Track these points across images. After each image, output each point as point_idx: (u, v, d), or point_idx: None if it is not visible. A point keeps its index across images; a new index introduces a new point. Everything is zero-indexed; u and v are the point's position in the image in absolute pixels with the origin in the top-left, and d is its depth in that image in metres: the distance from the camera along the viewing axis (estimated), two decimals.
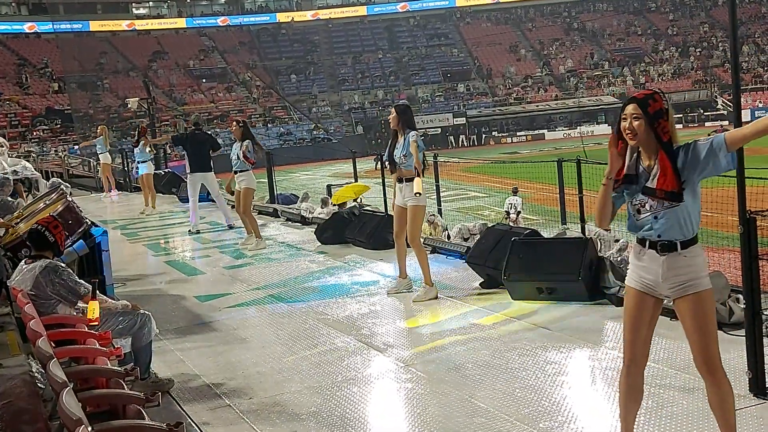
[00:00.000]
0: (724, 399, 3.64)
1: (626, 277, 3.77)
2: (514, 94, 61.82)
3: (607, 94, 59.53)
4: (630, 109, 3.57)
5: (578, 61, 65.30)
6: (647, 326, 3.72)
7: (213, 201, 13.79)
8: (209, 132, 13.01)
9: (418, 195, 7.40)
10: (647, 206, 3.58)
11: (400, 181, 7.58)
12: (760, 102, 56.13)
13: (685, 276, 3.56)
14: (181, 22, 67.21)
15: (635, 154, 3.63)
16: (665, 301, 3.73)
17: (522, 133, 57.04)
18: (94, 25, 62.84)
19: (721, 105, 55.63)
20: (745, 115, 51.74)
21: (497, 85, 63.41)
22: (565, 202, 12.02)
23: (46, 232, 5.35)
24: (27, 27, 60.50)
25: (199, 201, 13.31)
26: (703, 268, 3.63)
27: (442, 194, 15.36)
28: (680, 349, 5.36)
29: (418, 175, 7.38)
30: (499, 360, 5.67)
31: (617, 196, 3.70)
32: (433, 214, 14.22)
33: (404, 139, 7.47)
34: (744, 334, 4.72)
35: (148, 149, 16.64)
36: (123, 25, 64.22)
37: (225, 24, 67.90)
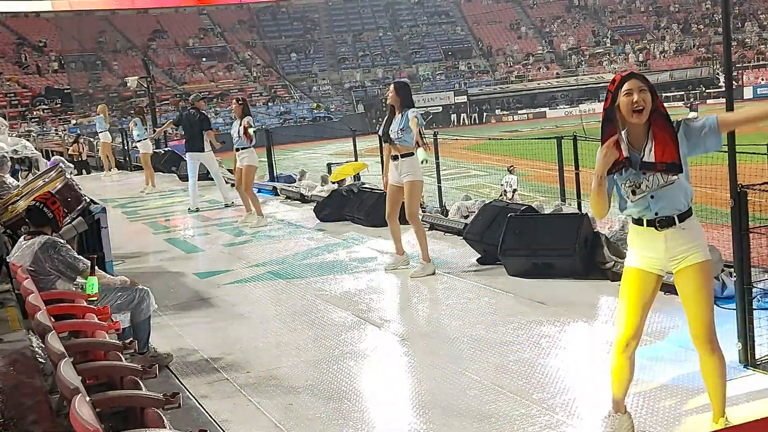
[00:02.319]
0: (716, 370, 3.69)
1: (626, 259, 3.78)
2: (516, 72, 61.61)
3: (609, 72, 59.30)
4: (634, 83, 3.52)
5: (580, 38, 65.01)
6: (648, 304, 3.75)
7: (211, 179, 13.82)
8: (203, 111, 12.99)
9: (425, 162, 7.41)
10: (643, 186, 3.58)
11: (395, 158, 7.60)
12: (762, 79, 55.89)
13: (686, 246, 3.60)
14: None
15: (626, 137, 3.63)
16: (665, 277, 3.77)
17: (523, 111, 56.94)
18: (82, 4, 61.87)
19: (724, 82, 55.42)
20: (747, 92, 51.60)
21: (498, 63, 63.19)
22: (564, 180, 12.04)
23: (44, 208, 5.40)
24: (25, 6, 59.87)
25: (198, 179, 13.36)
26: (702, 237, 3.67)
27: (442, 172, 15.38)
28: (671, 322, 5.42)
29: (420, 146, 7.38)
30: (493, 334, 5.73)
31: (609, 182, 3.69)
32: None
33: (402, 116, 7.48)
34: (735, 308, 4.77)
35: (145, 128, 16.70)
36: (114, 4, 63.36)
37: (216, 3, 67.03)
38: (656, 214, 3.60)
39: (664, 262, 3.66)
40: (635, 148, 3.60)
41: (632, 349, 3.79)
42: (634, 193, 3.62)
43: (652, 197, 3.58)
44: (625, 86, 3.54)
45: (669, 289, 4.67)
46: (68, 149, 23.14)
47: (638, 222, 3.68)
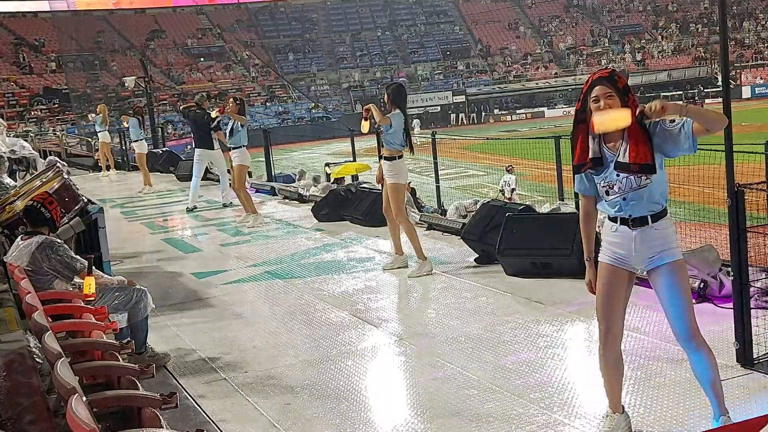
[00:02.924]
0: (706, 365, 3.69)
1: (599, 254, 3.82)
2: (514, 72, 61.63)
3: None
4: (600, 89, 3.56)
5: (578, 38, 65.04)
6: (622, 300, 3.77)
7: (211, 179, 13.84)
8: (209, 111, 13.08)
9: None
10: (616, 188, 3.63)
11: (382, 159, 7.79)
12: (761, 78, 55.95)
13: (657, 248, 3.63)
14: (167, 0, 66.07)
15: (597, 138, 3.65)
16: (639, 273, 3.79)
17: (521, 110, 56.98)
18: (80, 4, 61.81)
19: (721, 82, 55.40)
20: (745, 92, 51.66)
21: (497, 62, 63.20)
22: (563, 180, 12.05)
23: (41, 208, 5.39)
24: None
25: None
26: (674, 239, 3.70)
27: (440, 172, 15.38)
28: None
29: (367, 122, 7.61)
30: (491, 334, 5.73)
31: (589, 179, 3.74)
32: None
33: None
34: (732, 307, 4.77)
35: (141, 128, 16.77)
36: (110, 3, 63.27)
37: (215, 3, 66.94)
38: (630, 215, 3.64)
39: (634, 260, 3.69)
40: (611, 149, 3.64)
41: (611, 348, 3.79)
42: (607, 193, 3.68)
43: (624, 199, 3.62)
44: (593, 92, 3.59)
45: None
46: (94, 156, 22.97)
47: (613, 219, 3.73)
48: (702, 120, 3.45)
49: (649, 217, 3.62)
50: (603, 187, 3.68)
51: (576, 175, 3.81)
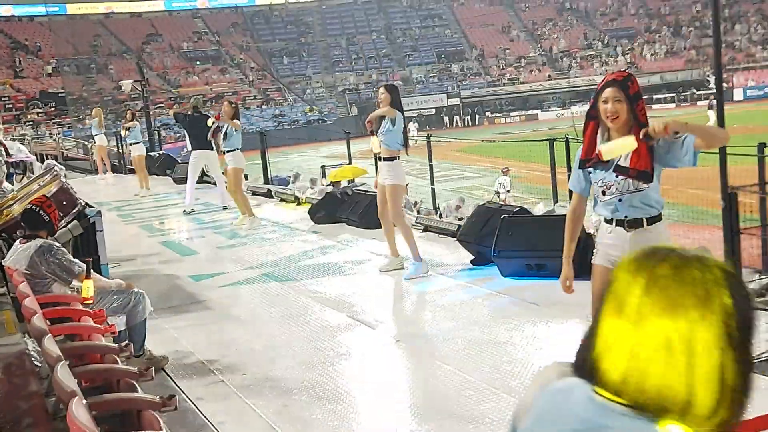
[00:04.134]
0: None
1: (594, 256, 3.86)
2: (508, 75, 61.72)
3: (600, 74, 59.39)
4: (611, 92, 3.62)
5: (571, 41, 65.18)
6: None
7: (207, 182, 13.86)
8: (207, 114, 13.11)
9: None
10: (613, 188, 3.68)
11: (380, 160, 7.73)
12: (752, 81, 56.11)
13: None
14: (159, 5, 66.07)
15: (605, 135, 3.70)
16: None
17: (515, 113, 57.03)
18: (71, 8, 61.73)
19: (714, 84, 55.56)
20: (737, 95, 51.78)
21: (491, 65, 63.30)
22: (557, 182, 12.10)
23: (40, 211, 5.41)
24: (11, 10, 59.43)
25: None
26: (668, 242, 3.73)
27: (435, 174, 15.43)
28: None
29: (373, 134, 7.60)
30: (488, 335, 5.77)
31: (586, 179, 3.80)
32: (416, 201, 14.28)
33: (388, 119, 7.53)
34: None
35: (139, 131, 16.77)
36: (101, 8, 63.17)
37: (204, 6, 66.95)
38: (625, 216, 3.68)
39: None
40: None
41: None
42: (604, 193, 3.73)
43: (620, 200, 3.67)
44: (603, 93, 3.65)
45: None
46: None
47: (609, 221, 3.77)
48: (704, 136, 3.51)
49: (644, 219, 3.67)
50: (600, 186, 3.73)
51: (573, 173, 3.86)
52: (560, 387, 1.11)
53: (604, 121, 3.66)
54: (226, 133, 11.17)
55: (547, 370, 1.16)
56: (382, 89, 7.73)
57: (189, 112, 13.21)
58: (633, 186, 3.63)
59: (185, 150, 13.17)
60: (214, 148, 12.85)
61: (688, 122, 3.63)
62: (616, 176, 3.65)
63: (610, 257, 3.76)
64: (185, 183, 13.73)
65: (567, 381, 1.11)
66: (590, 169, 3.75)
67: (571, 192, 4.06)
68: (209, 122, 11.72)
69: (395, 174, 7.59)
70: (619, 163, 3.64)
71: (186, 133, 13.00)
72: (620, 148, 3.57)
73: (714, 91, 51.61)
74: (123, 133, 16.64)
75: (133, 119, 16.81)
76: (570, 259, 3.92)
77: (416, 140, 15.25)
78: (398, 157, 7.60)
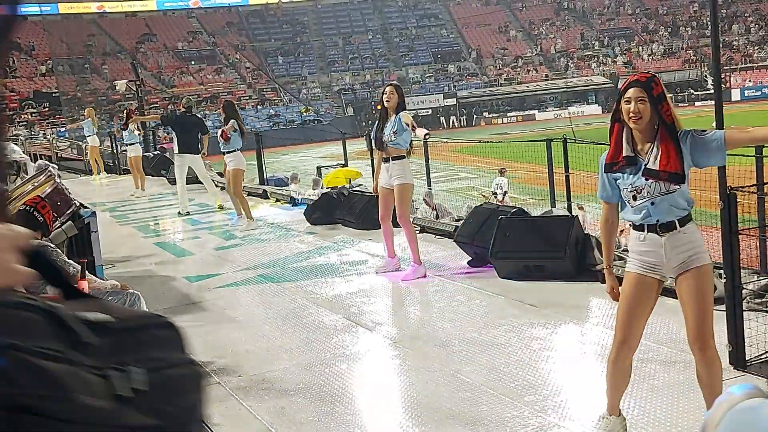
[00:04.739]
0: (713, 376, 3.65)
1: (627, 264, 3.79)
2: (505, 75, 61.77)
3: (598, 74, 59.57)
4: (634, 92, 3.57)
5: (568, 41, 65.26)
6: (648, 309, 3.74)
7: (201, 182, 13.80)
8: (198, 115, 13.06)
9: (428, 136, 7.86)
10: (644, 192, 3.61)
11: (386, 160, 7.59)
12: (750, 81, 56.24)
13: (688, 252, 3.61)
14: (151, 5, 65.96)
15: (631, 138, 3.65)
16: (668, 280, 3.77)
17: (512, 113, 57.08)
18: (63, 8, 61.59)
19: (712, 85, 55.64)
20: (735, 95, 51.91)
21: (488, 65, 63.35)
22: (554, 183, 12.08)
23: (34, 212, 5.36)
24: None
25: (187, 183, 13.34)
26: (702, 242, 3.69)
27: (432, 175, 15.41)
28: (663, 324, 5.44)
29: (416, 128, 7.49)
30: (485, 336, 5.74)
31: (612, 186, 3.75)
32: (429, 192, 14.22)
33: (395, 118, 7.47)
34: (725, 309, 4.79)
35: (137, 132, 16.65)
36: (93, 7, 63.01)
37: (197, 6, 66.84)
38: (657, 220, 3.63)
39: (666, 267, 3.66)
40: (640, 153, 3.64)
41: (625, 357, 3.77)
42: (635, 198, 3.65)
43: (652, 204, 3.61)
44: (627, 94, 3.60)
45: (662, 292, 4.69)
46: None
47: (639, 228, 3.69)
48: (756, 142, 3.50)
49: (676, 221, 3.62)
50: (630, 192, 3.65)
51: (599, 180, 3.79)
52: (751, 405, 1.10)
53: (626, 122, 3.62)
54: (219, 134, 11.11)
55: (734, 392, 1.16)
56: (390, 88, 7.64)
57: (181, 110, 13.12)
58: (665, 188, 3.56)
59: (175, 152, 13.07)
60: (200, 149, 12.78)
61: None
62: (646, 180, 3.59)
63: (646, 264, 3.68)
64: None
65: (757, 400, 1.11)
66: (617, 174, 3.68)
67: (569, 194, 4.02)
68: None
69: (404, 173, 7.53)
70: (647, 165, 3.58)
71: (174, 135, 12.88)
72: None
73: (712, 91, 51.78)
74: (132, 131, 16.42)
75: (131, 118, 16.69)
76: (611, 269, 3.85)
77: (413, 140, 15.20)
78: (406, 156, 7.56)
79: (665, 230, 3.62)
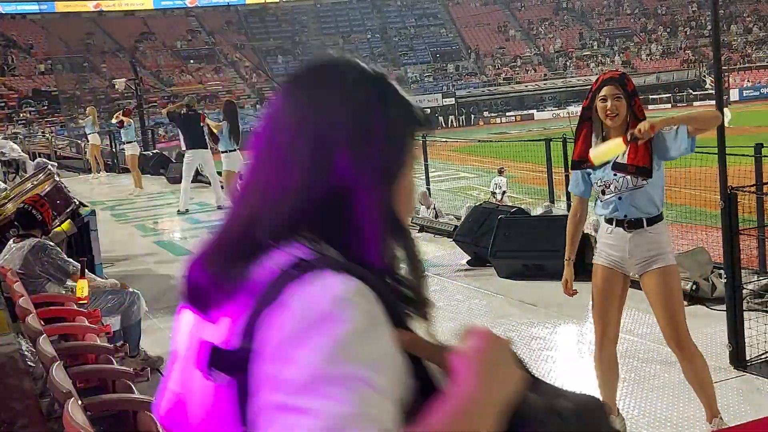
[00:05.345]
0: (697, 372, 3.68)
1: (594, 255, 3.84)
2: (504, 74, 61.78)
3: (596, 74, 59.49)
4: (609, 89, 3.59)
5: (567, 41, 65.27)
6: (617, 302, 3.78)
7: (201, 181, 13.81)
8: (201, 112, 13.09)
9: None
10: (612, 187, 3.65)
11: None
12: (749, 81, 56.28)
13: (651, 252, 3.63)
14: (148, 3, 65.80)
15: (601, 136, 3.67)
16: (632, 275, 3.80)
17: (511, 113, 57.06)
18: (60, 6, 61.41)
19: (710, 85, 55.71)
20: (733, 95, 51.95)
21: (486, 65, 63.35)
22: (553, 182, 12.09)
23: (33, 210, 5.37)
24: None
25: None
26: (668, 243, 3.72)
27: (431, 175, 15.41)
28: None
29: None
30: None
31: (585, 181, 3.78)
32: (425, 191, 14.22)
33: None
34: (725, 309, 4.80)
35: (133, 130, 16.69)
36: (90, 6, 62.87)
37: (194, 5, 66.73)
38: (625, 216, 3.64)
39: (629, 263, 3.70)
40: None
41: (608, 350, 3.80)
42: (603, 192, 3.71)
43: (620, 198, 3.64)
44: (602, 92, 3.62)
45: None
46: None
47: (609, 221, 3.74)
48: (694, 123, 3.49)
49: (644, 219, 3.64)
50: (599, 186, 3.70)
51: (572, 175, 3.84)
52: None
53: (602, 120, 3.63)
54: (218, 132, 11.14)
55: None
56: None
57: (183, 111, 13.15)
58: (632, 183, 3.60)
59: (178, 150, 13.13)
60: (209, 147, 12.82)
61: (674, 116, 3.62)
62: (615, 174, 3.63)
63: (611, 257, 3.73)
64: (179, 182, 13.66)
65: None
66: (589, 170, 3.72)
67: (569, 193, 4.04)
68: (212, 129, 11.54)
69: None
70: (617, 160, 3.61)
71: (180, 133, 12.93)
72: (610, 151, 3.55)
73: (711, 91, 51.79)
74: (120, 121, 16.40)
75: (128, 116, 16.70)
76: (571, 261, 3.89)
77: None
78: None
79: (632, 227, 3.64)
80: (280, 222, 1.01)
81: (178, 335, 1.12)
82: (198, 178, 14.02)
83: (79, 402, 2.86)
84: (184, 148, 12.97)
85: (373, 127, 1.04)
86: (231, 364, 0.93)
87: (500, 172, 20.35)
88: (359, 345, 0.89)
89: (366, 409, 0.86)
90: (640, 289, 3.82)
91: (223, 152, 11.11)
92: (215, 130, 11.00)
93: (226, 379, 0.94)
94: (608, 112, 3.58)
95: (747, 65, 58.42)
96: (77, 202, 7.23)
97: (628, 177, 3.60)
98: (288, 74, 1.13)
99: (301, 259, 0.96)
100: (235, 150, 11.12)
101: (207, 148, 12.80)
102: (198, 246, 1.11)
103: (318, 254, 0.98)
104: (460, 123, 56.35)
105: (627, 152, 3.58)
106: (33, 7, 58.07)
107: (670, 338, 3.67)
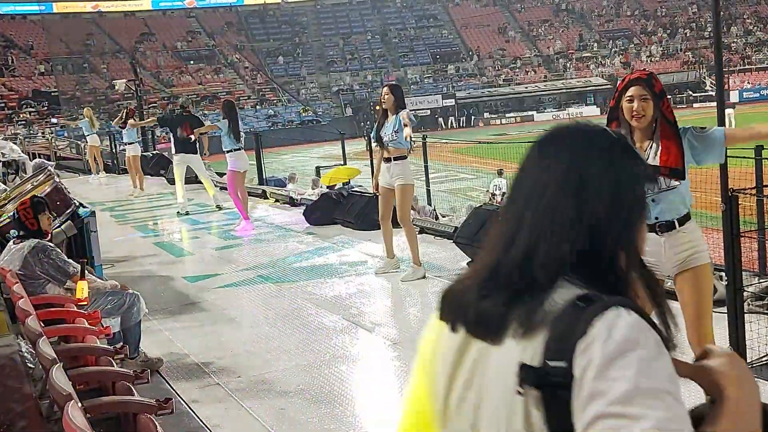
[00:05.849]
0: None
1: None
2: (503, 76, 61.78)
3: (596, 76, 59.57)
4: (636, 90, 3.55)
5: (567, 42, 65.28)
6: None
7: (200, 182, 13.79)
8: (196, 114, 13.06)
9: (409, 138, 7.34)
10: None
11: (387, 160, 7.58)
12: (748, 83, 56.29)
13: (688, 251, 3.61)
14: (146, 4, 65.73)
15: (629, 136, 3.65)
16: (667, 283, 3.77)
17: (511, 114, 57.04)
18: (58, 7, 61.33)
19: (710, 86, 55.73)
20: (733, 96, 51.92)
21: (486, 66, 63.35)
22: None
23: (22, 218, 5.35)
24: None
25: (186, 183, 13.34)
26: (702, 241, 3.69)
27: (431, 176, 15.40)
28: None
29: (405, 126, 7.30)
30: None
31: None
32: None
33: (395, 118, 7.45)
34: (726, 311, 4.79)
35: (135, 131, 16.64)
36: (88, 6, 62.79)
37: (193, 6, 66.69)
38: (656, 218, 3.61)
39: (665, 266, 3.66)
40: (640, 150, 3.62)
41: None
42: None
43: (653, 200, 3.60)
44: (628, 92, 3.58)
45: None
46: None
47: None
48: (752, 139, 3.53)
49: (675, 221, 3.62)
50: None
51: None
52: None
53: (627, 121, 3.59)
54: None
55: None
56: (386, 89, 7.62)
57: (177, 110, 13.12)
58: (665, 184, 3.56)
59: (173, 152, 13.12)
60: (198, 150, 12.80)
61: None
62: None
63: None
64: None
65: None
66: None
67: None
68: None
69: (405, 173, 7.51)
70: (648, 162, 3.59)
71: (170, 135, 12.91)
72: None
73: (711, 93, 51.73)
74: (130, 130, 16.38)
75: (131, 117, 16.66)
76: None
77: (412, 141, 15.20)
78: (407, 156, 7.54)
79: (664, 230, 3.62)
80: (554, 263, 1.20)
81: (425, 345, 1.38)
82: (196, 180, 14.00)
83: (79, 404, 2.85)
84: (173, 151, 12.93)
85: (622, 181, 1.24)
86: (541, 381, 1.12)
87: (500, 174, 20.36)
88: (658, 364, 1.09)
89: (674, 414, 1.05)
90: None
91: (228, 152, 11.06)
92: (208, 131, 11.03)
93: (534, 393, 1.13)
94: (634, 113, 3.54)
95: (747, 67, 58.42)
96: (77, 203, 7.22)
97: (661, 178, 3.56)
98: (543, 135, 1.37)
99: (589, 296, 1.16)
100: (240, 149, 11.08)
101: (195, 153, 12.77)
102: (463, 273, 1.35)
103: (596, 292, 1.17)
104: (460, 124, 56.33)
105: (659, 153, 3.54)
106: (33, 8, 58.01)
107: (694, 336, 3.65)
